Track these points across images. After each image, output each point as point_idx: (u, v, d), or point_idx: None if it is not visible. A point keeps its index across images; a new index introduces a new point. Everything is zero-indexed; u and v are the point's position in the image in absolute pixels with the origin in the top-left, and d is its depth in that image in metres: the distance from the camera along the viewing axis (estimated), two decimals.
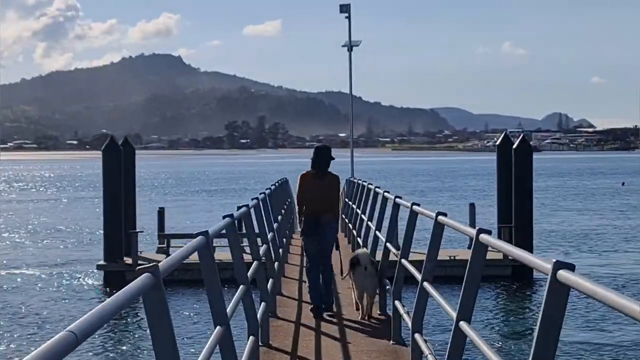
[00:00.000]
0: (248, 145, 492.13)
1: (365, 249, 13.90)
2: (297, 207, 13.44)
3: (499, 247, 5.60)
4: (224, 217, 8.01)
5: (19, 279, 26.39)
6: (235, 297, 7.52)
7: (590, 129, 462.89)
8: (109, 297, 14.32)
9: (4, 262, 30.63)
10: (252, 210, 11.13)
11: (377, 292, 12.31)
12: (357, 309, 12.50)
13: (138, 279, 4.04)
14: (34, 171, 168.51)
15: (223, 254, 22.06)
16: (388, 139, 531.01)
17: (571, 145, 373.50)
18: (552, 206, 55.55)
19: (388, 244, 12.02)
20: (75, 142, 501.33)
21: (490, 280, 22.87)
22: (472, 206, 27.34)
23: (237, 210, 10.07)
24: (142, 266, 4.16)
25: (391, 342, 10.31)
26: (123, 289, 3.73)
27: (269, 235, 13.67)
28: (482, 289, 22.43)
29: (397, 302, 10.08)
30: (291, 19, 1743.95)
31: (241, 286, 8.02)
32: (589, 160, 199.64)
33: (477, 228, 6.17)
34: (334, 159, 13.20)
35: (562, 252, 32.36)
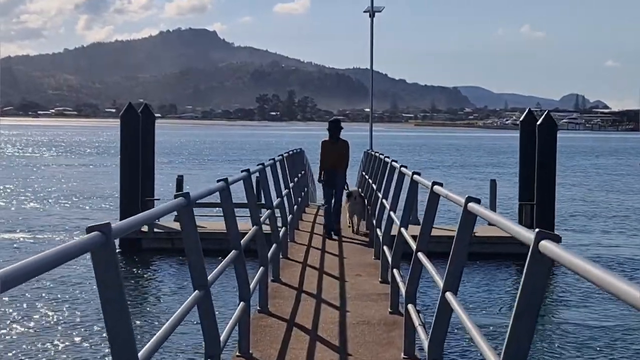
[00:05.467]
0: (278, 117, 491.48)
1: (355, 187, 21.38)
2: (319, 163, 17.71)
3: (487, 216, 5.09)
4: (217, 181, 7.56)
5: (32, 243, 25.48)
6: (223, 261, 7.07)
7: (606, 110, 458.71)
8: (123, 263, 13.79)
9: (21, 226, 29.74)
10: (254, 176, 10.69)
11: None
12: (349, 226, 18.07)
13: (86, 236, 3.61)
14: (72, 137, 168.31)
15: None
16: (411, 115, 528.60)
17: (587, 125, 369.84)
18: (571, 184, 54.46)
19: (391, 213, 11.56)
20: (113, 110, 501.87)
21: (503, 258, 21.57)
22: (493, 182, 25.80)
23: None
24: (93, 225, 3.72)
25: (389, 310, 9.84)
26: (64, 246, 3.31)
27: (276, 201, 13.20)
28: (492, 266, 21.56)
29: (395, 271, 9.61)
30: None
31: (232, 251, 7.57)
32: (605, 140, 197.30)
33: (466, 197, 5.69)
34: (342, 128, 17.99)
35: (582, 231, 31.16)
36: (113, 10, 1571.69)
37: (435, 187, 7.42)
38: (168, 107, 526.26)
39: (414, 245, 7.92)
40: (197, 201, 6.00)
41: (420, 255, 7.53)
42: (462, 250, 5.72)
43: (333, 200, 17.64)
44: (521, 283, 3.79)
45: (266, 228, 10.99)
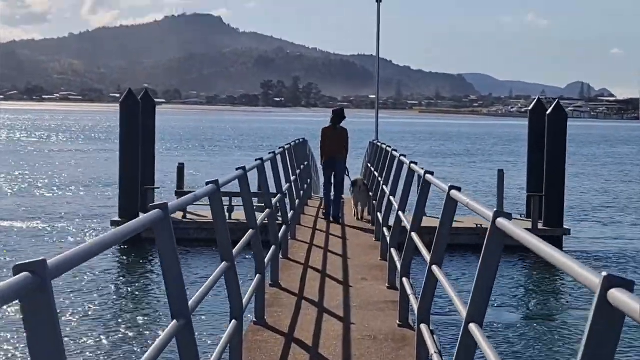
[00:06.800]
0: (282, 103, 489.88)
1: (360, 176, 21.85)
2: (320, 149, 18.66)
3: (527, 241, 4.10)
4: (207, 184, 6.66)
5: (28, 232, 24.59)
6: (210, 278, 6.17)
7: (611, 98, 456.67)
8: (121, 252, 12.51)
9: (15, 213, 28.84)
10: (253, 171, 9.79)
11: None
12: (354, 214, 18.99)
13: (13, 279, 2.73)
14: (80, 121, 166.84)
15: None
16: (416, 102, 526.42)
17: (592, 113, 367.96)
18: (581, 174, 53.21)
19: (400, 213, 10.63)
20: (117, 95, 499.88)
21: (516, 251, 20.45)
22: (500, 173, 24.95)
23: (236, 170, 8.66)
24: (22, 263, 2.84)
25: (397, 322, 8.93)
26: None
27: (276, 198, 12.29)
28: (505, 260, 20.59)
29: (404, 280, 8.70)
30: None
31: (222, 263, 6.66)
32: (612, 129, 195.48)
33: (494, 210, 4.78)
34: (345, 117, 19.03)
35: (592, 223, 29.94)
36: None
37: (453, 192, 6.52)
38: (172, 93, 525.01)
39: (427, 256, 7.05)
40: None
41: (435, 269, 6.64)
42: (489, 276, 4.82)
43: (333, 186, 18.54)
44: (584, 340, 2.91)
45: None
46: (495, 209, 4.76)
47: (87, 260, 3.19)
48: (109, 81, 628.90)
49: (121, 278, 18.82)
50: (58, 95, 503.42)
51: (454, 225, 20.98)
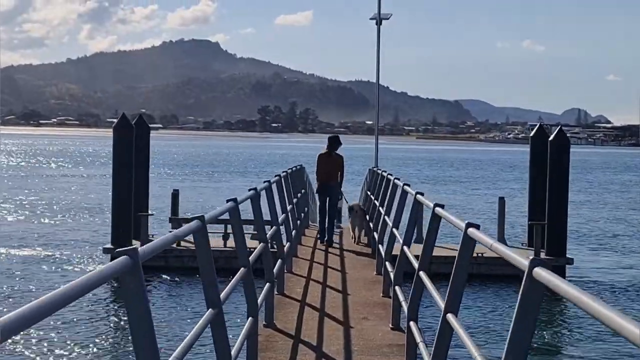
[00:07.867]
0: (279, 129, 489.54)
1: (357, 201, 22.23)
2: (315, 175, 19.28)
3: (569, 293, 3.36)
4: (191, 219, 5.87)
5: (18, 260, 23.79)
6: (199, 323, 5.38)
7: (609, 125, 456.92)
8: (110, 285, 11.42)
9: (9, 239, 28.06)
10: (247, 202, 8.99)
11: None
12: (352, 238, 19.50)
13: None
14: (81, 146, 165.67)
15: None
16: (413, 128, 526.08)
17: (589, 139, 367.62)
18: (582, 201, 52.44)
19: (405, 248, 9.82)
20: (114, 120, 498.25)
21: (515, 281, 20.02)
22: (501, 200, 24.25)
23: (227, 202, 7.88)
24: None
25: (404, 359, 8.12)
26: None
27: (271, 231, 11.49)
28: (502, 288, 20.02)
29: (412, 324, 7.87)
30: (322, 11, 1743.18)
31: (209, 310, 5.86)
32: (610, 155, 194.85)
33: (530, 258, 4.00)
34: (341, 144, 19.47)
35: (596, 252, 29.20)
36: (116, 20, 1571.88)
37: (471, 230, 5.72)
38: (169, 118, 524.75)
39: (439, 301, 6.25)
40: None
41: (451, 318, 5.83)
42: (526, 336, 4.02)
43: (327, 211, 19.08)
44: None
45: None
46: (531, 257, 3.98)
47: (27, 328, 2.38)
48: (106, 106, 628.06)
49: (99, 320, 16.74)
50: (55, 120, 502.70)
51: (448, 253, 20.50)
